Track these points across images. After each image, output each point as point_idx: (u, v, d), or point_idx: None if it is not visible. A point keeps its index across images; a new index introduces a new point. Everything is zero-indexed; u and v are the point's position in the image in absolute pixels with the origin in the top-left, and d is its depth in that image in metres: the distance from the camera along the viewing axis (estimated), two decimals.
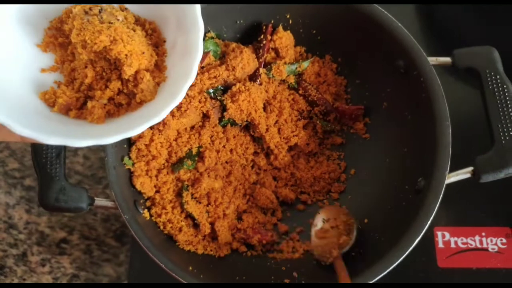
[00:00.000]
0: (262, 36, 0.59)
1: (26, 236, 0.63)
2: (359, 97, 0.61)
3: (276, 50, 0.60)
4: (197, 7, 0.39)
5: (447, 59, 0.54)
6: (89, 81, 0.39)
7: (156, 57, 0.40)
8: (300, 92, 0.61)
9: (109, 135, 0.36)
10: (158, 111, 0.37)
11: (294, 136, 0.59)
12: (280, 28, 0.60)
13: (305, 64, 0.61)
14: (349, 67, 0.62)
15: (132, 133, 0.36)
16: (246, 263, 0.54)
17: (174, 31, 0.41)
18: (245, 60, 0.56)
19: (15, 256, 0.63)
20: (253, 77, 0.58)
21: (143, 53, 0.38)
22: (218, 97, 0.56)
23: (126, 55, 0.37)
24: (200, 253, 0.53)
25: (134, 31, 0.39)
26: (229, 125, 0.57)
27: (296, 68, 0.60)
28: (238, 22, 0.60)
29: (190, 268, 0.49)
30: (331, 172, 0.59)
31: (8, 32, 0.39)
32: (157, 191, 0.54)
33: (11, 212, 0.65)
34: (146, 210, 0.53)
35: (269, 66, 0.59)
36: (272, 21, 0.60)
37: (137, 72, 0.38)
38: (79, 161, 0.66)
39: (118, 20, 0.39)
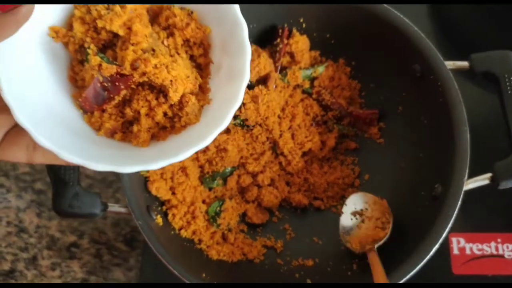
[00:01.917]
0: (278, 40, 0.59)
1: (37, 240, 0.63)
2: (373, 102, 0.61)
3: (291, 54, 0.59)
4: (245, 30, 0.38)
5: (464, 63, 0.54)
6: (135, 106, 0.38)
7: (200, 79, 0.40)
8: (314, 96, 0.60)
9: (156, 160, 0.35)
10: (204, 135, 0.36)
11: (308, 141, 0.58)
12: (296, 32, 0.59)
13: (320, 69, 0.60)
14: (363, 71, 0.61)
15: (179, 158, 0.35)
16: (259, 270, 0.54)
17: (219, 53, 0.40)
18: (262, 64, 0.56)
19: (26, 259, 0.62)
20: (263, 80, 0.58)
21: (188, 77, 0.38)
22: None
23: (171, 81, 0.37)
24: (214, 259, 0.53)
25: (179, 54, 0.39)
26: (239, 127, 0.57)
27: (311, 73, 0.60)
28: (251, 26, 0.59)
29: (203, 275, 0.48)
30: (345, 178, 0.59)
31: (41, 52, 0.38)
32: (173, 193, 0.53)
33: (22, 216, 0.64)
34: (159, 216, 0.52)
35: (284, 71, 0.59)
36: (286, 25, 0.60)
37: (182, 95, 0.38)
38: None
39: (163, 44, 0.38)
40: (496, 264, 0.58)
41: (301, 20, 0.60)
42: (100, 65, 0.36)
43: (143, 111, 0.38)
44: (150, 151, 0.37)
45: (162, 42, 0.38)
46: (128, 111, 0.38)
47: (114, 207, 0.50)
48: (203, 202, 0.55)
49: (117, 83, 0.37)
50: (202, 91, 0.40)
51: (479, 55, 0.53)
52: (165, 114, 0.38)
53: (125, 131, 0.39)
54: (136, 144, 0.38)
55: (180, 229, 0.53)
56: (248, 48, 0.38)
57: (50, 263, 0.62)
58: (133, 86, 0.37)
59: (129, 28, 0.36)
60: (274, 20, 0.60)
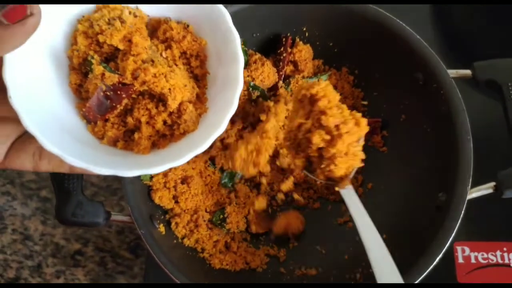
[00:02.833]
0: (282, 49, 0.59)
1: (42, 247, 0.64)
2: (376, 110, 0.60)
3: (295, 63, 0.60)
4: (237, 39, 0.40)
5: (467, 72, 0.54)
6: (136, 115, 0.40)
7: (197, 89, 0.42)
8: None
9: (156, 164, 0.37)
10: (202, 140, 0.38)
11: None
12: (299, 41, 0.60)
13: (324, 78, 0.60)
14: (366, 80, 0.61)
15: (178, 162, 0.37)
16: (261, 279, 0.54)
17: (215, 64, 0.42)
18: (265, 73, 0.56)
19: (31, 267, 0.63)
20: (272, 90, 0.58)
21: (185, 85, 0.40)
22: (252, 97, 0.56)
23: (169, 89, 0.39)
24: (217, 267, 0.53)
25: (176, 65, 0.41)
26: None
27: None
28: (254, 35, 0.60)
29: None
30: None
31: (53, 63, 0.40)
32: (176, 202, 0.54)
33: (27, 224, 0.65)
34: (162, 225, 0.52)
35: (287, 80, 0.59)
36: (289, 34, 0.60)
37: (180, 103, 0.40)
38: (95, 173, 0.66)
39: (162, 56, 0.40)
40: (501, 273, 0.57)
41: (304, 29, 0.60)
42: (103, 74, 0.37)
43: (143, 119, 0.39)
44: (150, 158, 0.39)
45: (161, 54, 0.40)
46: (130, 120, 0.39)
47: (117, 216, 0.50)
48: (206, 210, 0.55)
49: (119, 92, 0.38)
50: (200, 101, 0.41)
51: (481, 63, 0.53)
52: (164, 122, 0.40)
53: (127, 140, 0.40)
54: (138, 152, 0.39)
55: (183, 238, 0.53)
56: (240, 57, 0.40)
57: (55, 271, 0.63)
58: (134, 95, 0.39)
59: (130, 41, 0.38)
60: (277, 29, 0.60)
